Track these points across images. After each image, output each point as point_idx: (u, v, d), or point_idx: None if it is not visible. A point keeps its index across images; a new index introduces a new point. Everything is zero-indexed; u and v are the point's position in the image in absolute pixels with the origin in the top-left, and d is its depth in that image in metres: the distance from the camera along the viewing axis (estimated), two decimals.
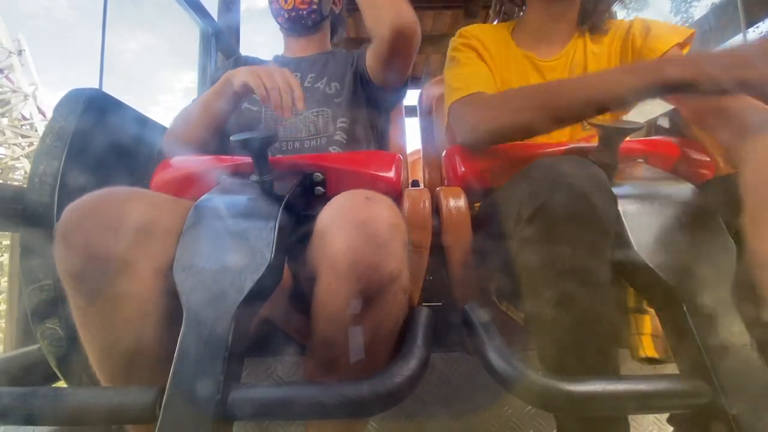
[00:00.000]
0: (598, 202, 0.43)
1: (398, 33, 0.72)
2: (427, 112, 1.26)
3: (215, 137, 0.80)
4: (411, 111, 1.43)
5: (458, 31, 0.85)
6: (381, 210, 0.47)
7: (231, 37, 1.70)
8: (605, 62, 0.79)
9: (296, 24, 0.95)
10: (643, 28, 0.77)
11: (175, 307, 0.42)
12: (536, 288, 0.46)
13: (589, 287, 0.43)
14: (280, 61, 0.99)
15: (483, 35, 0.83)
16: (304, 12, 0.93)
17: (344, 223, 0.46)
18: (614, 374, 0.45)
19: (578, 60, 0.79)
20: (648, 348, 0.56)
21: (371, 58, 0.85)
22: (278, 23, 0.98)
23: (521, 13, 0.89)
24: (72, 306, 0.47)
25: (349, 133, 0.87)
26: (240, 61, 0.97)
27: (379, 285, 0.45)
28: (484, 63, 0.80)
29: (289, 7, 0.92)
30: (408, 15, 0.72)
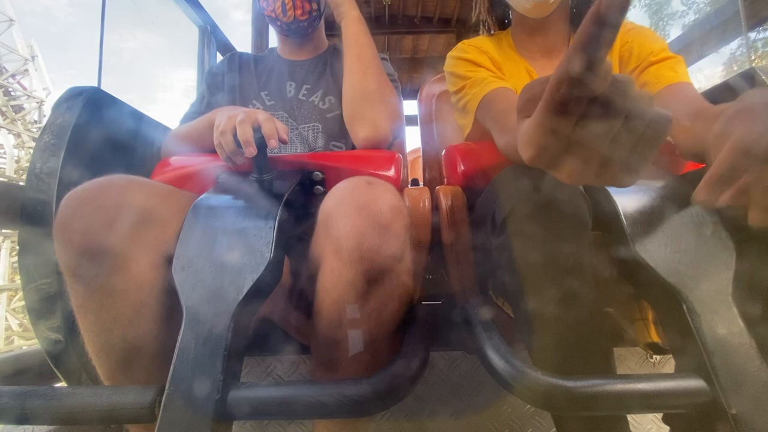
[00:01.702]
0: (563, 203, 0.45)
1: (369, 145, 0.75)
2: (426, 111, 1.26)
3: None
4: (411, 120, 1.43)
5: (458, 45, 0.81)
6: (382, 193, 0.48)
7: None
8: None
9: (296, 33, 0.92)
10: (637, 32, 0.76)
11: (175, 305, 0.42)
12: (525, 284, 0.47)
13: (567, 286, 0.44)
14: (275, 59, 0.97)
15: (484, 45, 0.80)
16: (305, 22, 0.89)
17: (347, 207, 0.47)
18: (608, 372, 0.46)
19: None
20: (653, 334, 0.56)
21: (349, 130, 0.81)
22: (275, 28, 0.94)
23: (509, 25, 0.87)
24: (71, 295, 0.47)
25: (343, 148, 0.87)
26: (234, 59, 0.95)
27: (382, 266, 0.46)
28: (485, 69, 0.76)
29: (290, 20, 0.87)
30: (382, 130, 0.75)
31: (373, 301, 0.47)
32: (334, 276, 0.46)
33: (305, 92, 0.89)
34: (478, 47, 0.79)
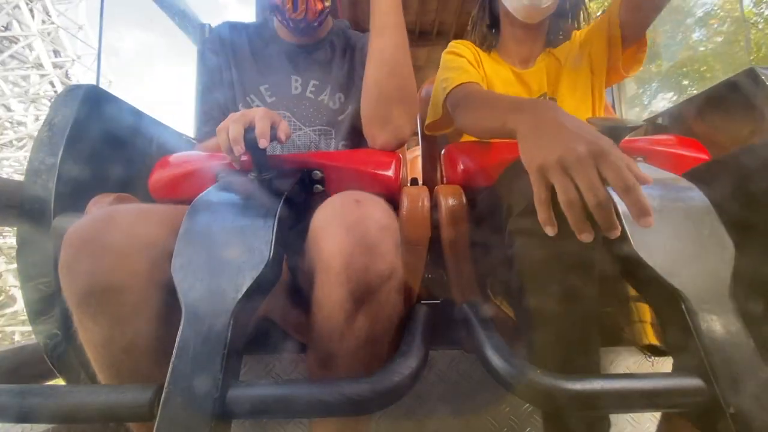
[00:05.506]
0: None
1: (386, 149, 0.72)
2: (425, 110, 1.25)
3: None
4: None
5: (451, 42, 0.98)
6: (371, 212, 0.48)
7: None
8: (576, 53, 0.93)
9: (303, 32, 0.83)
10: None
11: (175, 304, 0.42)
12: (528, 282, 0.47)
13: (582, 281, 0.44)
14: (273, 39, 0.88)
15: (473, 46, 0.97)
16: (315, 21, 0.80)
17: (335, 226, 0.47)
18: (596, 370, 0.46)
19: (552, 67, 0.93)
20: (651, 336, 0.57)
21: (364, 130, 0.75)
22: (279, 17, 0.82)
23: (498, 37, 1.00)
24: (73, 318, 0.48)
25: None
26: (226, 41, 0.87)
27: (370, 285, 0.46)
28: (472, 65, 0.92)
29: (300, 17, 0.78)
30: (403, 135, 0.72)
31: (363, 318, 0.47)
32: (324, 294, 0.47)
33: (313, 89, 0.84)
34: (467, 45, 0.96)
